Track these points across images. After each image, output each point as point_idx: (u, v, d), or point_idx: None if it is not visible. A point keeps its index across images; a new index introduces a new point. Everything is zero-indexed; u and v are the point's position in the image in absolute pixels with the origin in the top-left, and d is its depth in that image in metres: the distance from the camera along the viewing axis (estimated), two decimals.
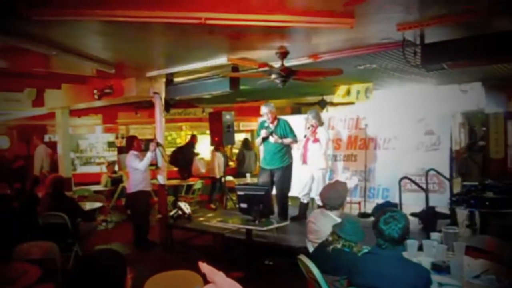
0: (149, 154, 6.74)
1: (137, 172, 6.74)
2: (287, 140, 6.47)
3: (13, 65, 6.31)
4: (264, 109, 6.50)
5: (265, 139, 6.60)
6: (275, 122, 6.58)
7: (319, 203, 6.55)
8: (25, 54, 5.27)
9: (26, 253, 3.80)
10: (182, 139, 13.99)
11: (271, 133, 6.51)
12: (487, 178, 6.18)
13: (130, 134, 12.59)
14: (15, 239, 4.01)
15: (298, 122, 7.21)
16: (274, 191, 6.87)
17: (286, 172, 6.63)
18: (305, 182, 6.76)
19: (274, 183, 6.67)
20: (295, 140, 6.57)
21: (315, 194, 6.69)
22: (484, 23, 4.38)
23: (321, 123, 6.80)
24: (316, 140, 6.61)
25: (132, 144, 6.95)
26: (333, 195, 3.91)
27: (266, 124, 6.58)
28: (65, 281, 1.83)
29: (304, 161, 6.76)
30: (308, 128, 6.66)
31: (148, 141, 11.91)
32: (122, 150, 12.52)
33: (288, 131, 6.53)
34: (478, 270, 2.91)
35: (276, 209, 6.63)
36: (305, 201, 6.85)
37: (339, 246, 3.10)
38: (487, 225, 5.41)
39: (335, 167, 7.76)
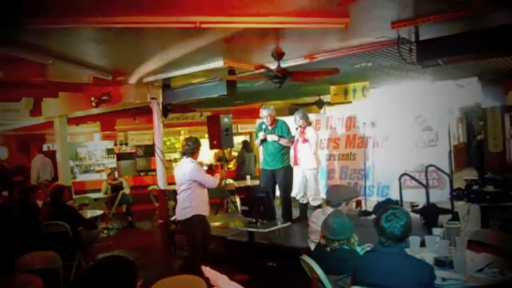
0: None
1: (199, 188, 5.05)
2: (283, 140, 6.50)
3: (9, 74, 6.29)
4: (264, 112, 6.57)
5: (263, 140, 6.63)
6: (274, 124, 6.62)
7: (313, 203, 6.64)
8: (21, 63, 5.27)
9: (28, 264, 3.78)
10: (180, 144, 13.98)
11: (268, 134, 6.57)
12: (486, 172, 6.19)
13: (129, 139, 12.63)
14: (17, 249, 4.00)
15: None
16: (277, 193, 6.92)
17: (288, 172, 6.68)
18: (299, 183, 6.79)
19: (276, 184, 6.70)
20: (291, 141, 6.60)
21: (309, 194, 6.72)
22: (479, 17, 4.39)
23: (309, 123, 6.85)
24: (305, 141, 6.64)
25: (195, 150, 5.13)
26: (334, 192, 4.09)
27: (263, 126, 6.63)
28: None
29: (295, 162, 6.79)
30: (297, 129, 6.70)
31: (147, 146, 12.06)
32: (121, 157, 12.53)
33: (285, 132, 6.57)
34: (481, 264, 2.92)
35: (280, 210, 6.67)
36: (304, 202, 6.87)
37: (336, 245, 3.10)
38: (488, 218, 5.42)
39: (333, 166, 7.77)
